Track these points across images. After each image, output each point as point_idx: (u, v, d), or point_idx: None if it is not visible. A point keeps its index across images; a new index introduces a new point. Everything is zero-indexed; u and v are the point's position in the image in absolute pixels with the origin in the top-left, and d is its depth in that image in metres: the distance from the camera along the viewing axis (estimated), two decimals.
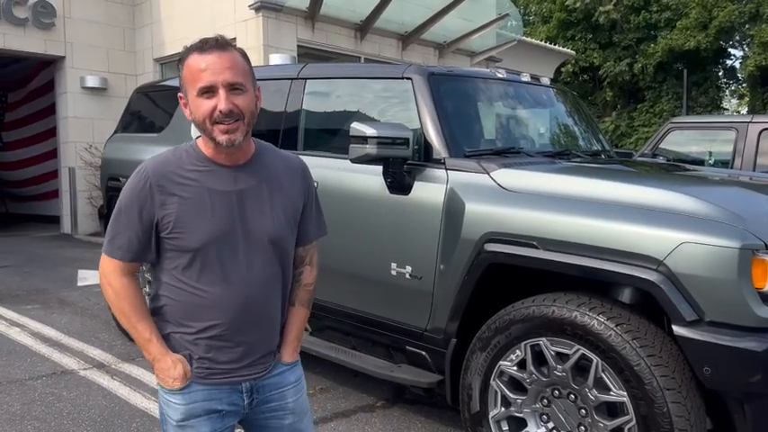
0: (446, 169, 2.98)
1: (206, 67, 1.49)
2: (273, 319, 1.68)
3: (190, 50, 1.54)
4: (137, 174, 1.56)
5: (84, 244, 9.93)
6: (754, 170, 5.30)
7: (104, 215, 5.27)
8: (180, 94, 1.60)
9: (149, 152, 4.70)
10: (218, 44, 1.52)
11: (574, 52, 20.04)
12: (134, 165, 5.08)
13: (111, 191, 5.09)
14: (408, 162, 3.04)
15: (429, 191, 2.99)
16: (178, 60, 1.60)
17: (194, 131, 4.46)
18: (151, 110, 5.20)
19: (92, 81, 10.71)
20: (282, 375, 1.72)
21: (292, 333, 1.75)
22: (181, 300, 1.59)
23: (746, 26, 19.68)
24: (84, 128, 10.82)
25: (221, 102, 1.49)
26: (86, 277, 7.07)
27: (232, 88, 1.51)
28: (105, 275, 1.60)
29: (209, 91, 1.50)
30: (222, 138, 1.51)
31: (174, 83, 5.25)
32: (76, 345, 4.65)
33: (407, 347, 3.12)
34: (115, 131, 5.46)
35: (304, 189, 1.72)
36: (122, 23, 11.23)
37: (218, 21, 9.80)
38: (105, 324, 5.13)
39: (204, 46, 1.52)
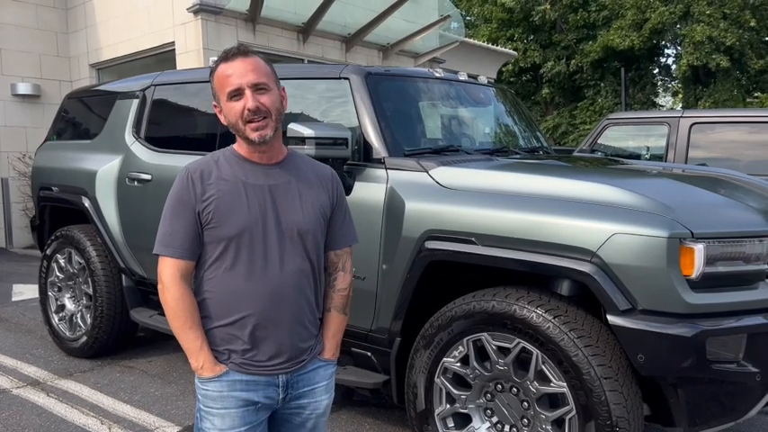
0: (386, 168, 2.98)
1: (232, 73, 1.65)
2: (306, 312, 1.75)
3: (217, 63, 1.70)
4: (180, 175, 1.70)
5: (20, 257, 9.50)
6: (685, 162, 5.50)
7: (36, 227, 5.04)
8: (214, 103, 1.75)
9: (83, 160, 4.56)
10: (241, 51, 1.69)
11: (515, 53, 20.40)
12: (67, 173, 4.87)
13: (42, 201, 4.87)
14: (348, 162, 3.02)
15: (369, 191, 2.98)
16: (210, 73, 1.73)
17: (128, 138, 4.32)
18: (84, 116, 5.01)
19: (23, 88, 10.28)
20: (317, 372, 1.81)
21: (331, 332, 1.85)
22: (218, 291, 1.68)
23: (678, 26, 20.45)
24: (16, 136, 10.38)
25: (248, 101, 1.64)
26: (22, 291, 6.77)
27: (257, 88, 1.65)
28: (164, 280, 1.68)
29: (237, 93, 1.65)
30: (254, 135, 1.65)
31: (108, 87, 5.07)
32: (9, 362, 4.44)
33: (353, 349, 3.10)
34: (46, 139, 5.24)
35: (333, 194, 1.82)
36: (55, 28, 10.83)
37: (156, 24, 9.56)
38: (41, 340, 4.92)
39: (228, 55, 1.68)
